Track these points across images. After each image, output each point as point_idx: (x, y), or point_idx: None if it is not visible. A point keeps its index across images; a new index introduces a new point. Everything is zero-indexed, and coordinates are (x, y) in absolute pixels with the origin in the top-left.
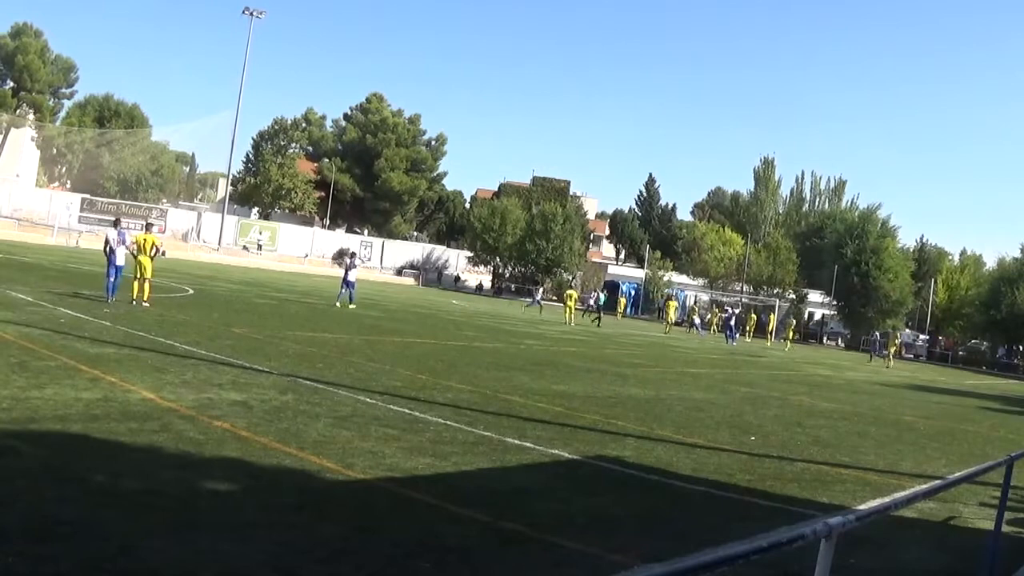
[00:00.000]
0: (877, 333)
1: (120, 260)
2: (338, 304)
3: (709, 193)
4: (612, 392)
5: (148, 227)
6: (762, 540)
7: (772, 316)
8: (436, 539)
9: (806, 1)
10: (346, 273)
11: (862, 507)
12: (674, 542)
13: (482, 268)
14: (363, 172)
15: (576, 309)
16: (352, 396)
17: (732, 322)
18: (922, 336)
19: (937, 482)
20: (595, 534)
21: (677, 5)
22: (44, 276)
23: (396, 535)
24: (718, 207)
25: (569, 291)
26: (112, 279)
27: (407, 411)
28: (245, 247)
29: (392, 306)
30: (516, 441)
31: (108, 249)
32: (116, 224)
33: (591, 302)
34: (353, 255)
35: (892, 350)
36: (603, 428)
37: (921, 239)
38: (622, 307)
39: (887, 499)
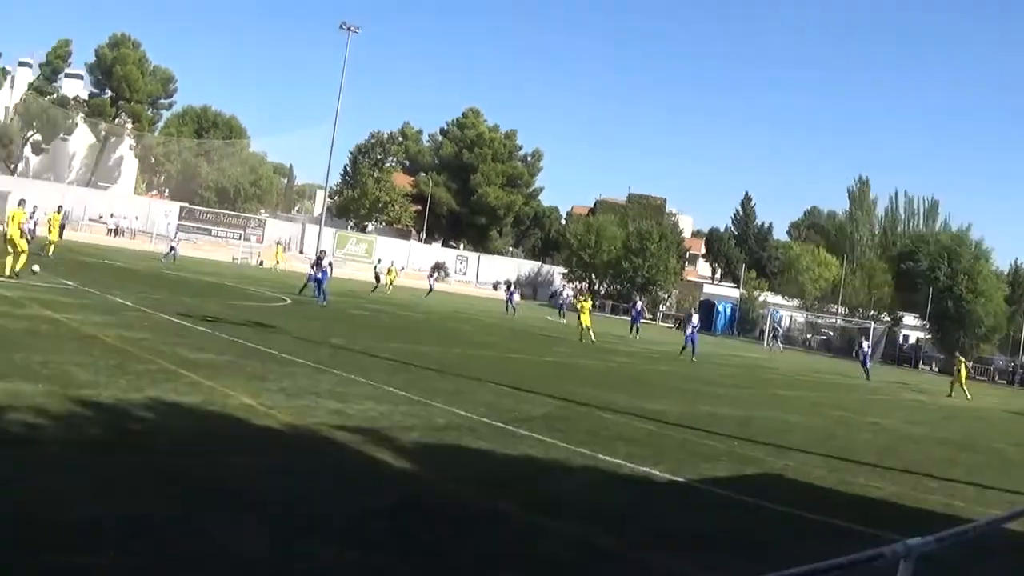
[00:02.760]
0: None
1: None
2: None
3: (805, 212)
4: (705, 412)
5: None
6: (842, 559)
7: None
8: (527, 550)
9: (899, 23)
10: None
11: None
12: (762, 562)
13: (577, 284)
14: (459, 186)
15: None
16: (446, 408)
17: (868, 351)
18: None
19: (1019, 507)
20: (685, 552)
21: (771, 26)
22: (142, 282)
23: (488, 545)
24: (814, 227)
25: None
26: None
27: (500, 424)
28: (433, 275)
29: (487, 320)
30: (608, 458)
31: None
32: (319, 261)
33: (688, 330)
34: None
35: (961, 377)
36: (695, 448)
37: (1015, 262)
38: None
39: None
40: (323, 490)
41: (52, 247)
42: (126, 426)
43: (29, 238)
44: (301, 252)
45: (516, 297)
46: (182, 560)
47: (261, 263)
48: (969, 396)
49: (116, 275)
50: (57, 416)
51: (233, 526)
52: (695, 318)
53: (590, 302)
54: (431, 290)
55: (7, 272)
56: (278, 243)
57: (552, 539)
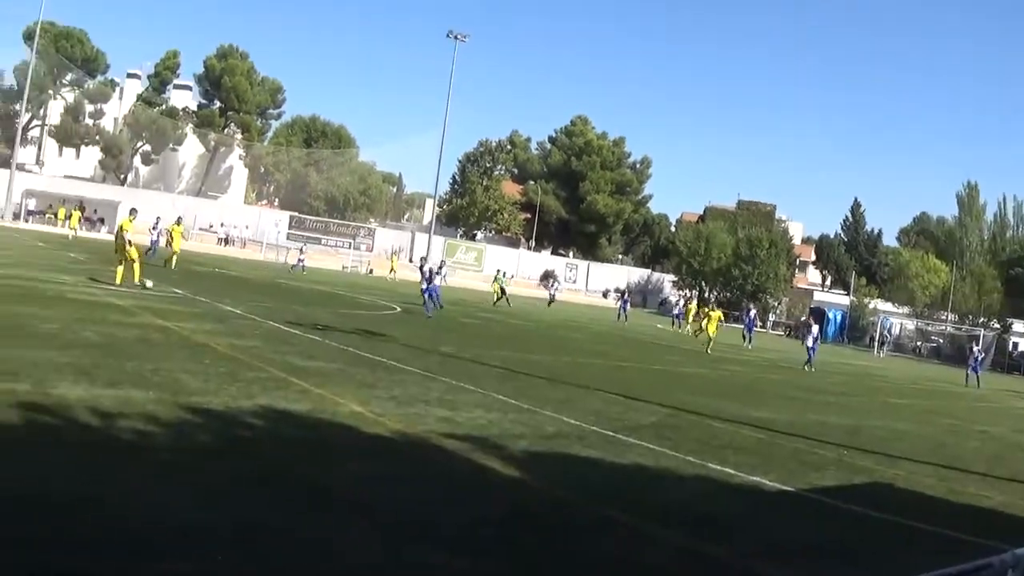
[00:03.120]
0: None
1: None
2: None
3: (914, 218)
4: (814, 420)
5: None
6: (950, 568)
7: None
8: (635, 559)
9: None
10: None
11: None
12: (870, 572)
13: (688, 293)
14: (568, 194)
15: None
16: (555, 416)
17: (980, 358)
18: None
19: None
20: (794, 562)
21: (882, 31)
22: (252, 291)
23: (596, 553)
24: (923, 233)
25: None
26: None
27: (610, 433)
28: (553, 284)
29: (597, 328)
30: (718, 467)
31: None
32: (432, 273)
33: (809, 342)
34: (429, 261)
35: None
36: (804, 457)
37: None
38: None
39: None
40: (432, 498)
41: (175, 259)
42: (236, 433)
43: (154, 250)
44: (410, 260)
45: (628, 305)
46: (291, 566)
47: (371, 271)
48: None
49: (226, 284)
50: (167, 423)
51: (342, 533)
52: (815, 328)
53: (719, 313)
54: (552, 300)
55: (118, 281)
56: (393, 252)
57: (661, 548)
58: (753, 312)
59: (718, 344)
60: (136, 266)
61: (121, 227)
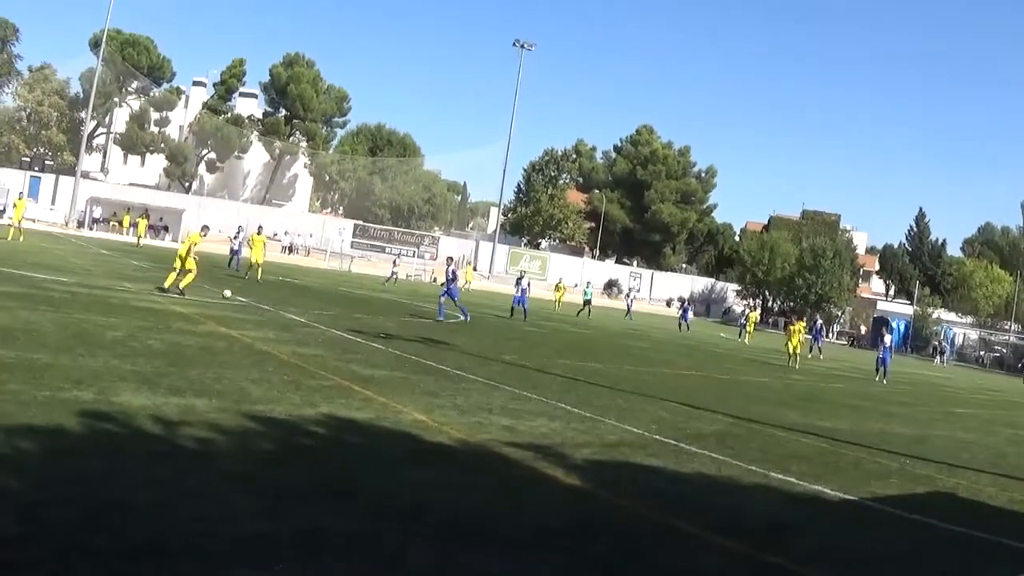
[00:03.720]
0: None
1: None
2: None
3: (979, 228)
4: (877, 429)
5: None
6: None
7: None
8: (698, 568)
9: None
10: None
11: None
12: None
13: (751, 300)
14: (633, 203)
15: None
16: (618, 425)
17: None
18: None
19: None
20: (854, 571)
21: (946, 39)
22: (316, 299)
23: (658, 562)
24: (988, 243)
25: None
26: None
27: (672, 442)
28: (631, 295)
29: (660, 337)
30: (780, 475)
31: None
32: (455, 274)
33: (880, 351)
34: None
35: None
36: (866, 466)
37: None
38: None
39: None
40: (493, 505)
41: (259, 270)
42: (299, 441)
43: (237, 260)
44: (475, 269)
45: (690, 314)
46: (352, 573)
47: (434, 280)
48: None
49: (291, 292)
50: (230, 431)
51: (403, 540)
52: (888, 338)
53: (801, 325)
54: (629, 311)
55: (166, 285)
56: (469, 263)
57: (722, 556)
58: (820, 323)
59: (775, 351)
60: (189, 276)
61: (189, 238)
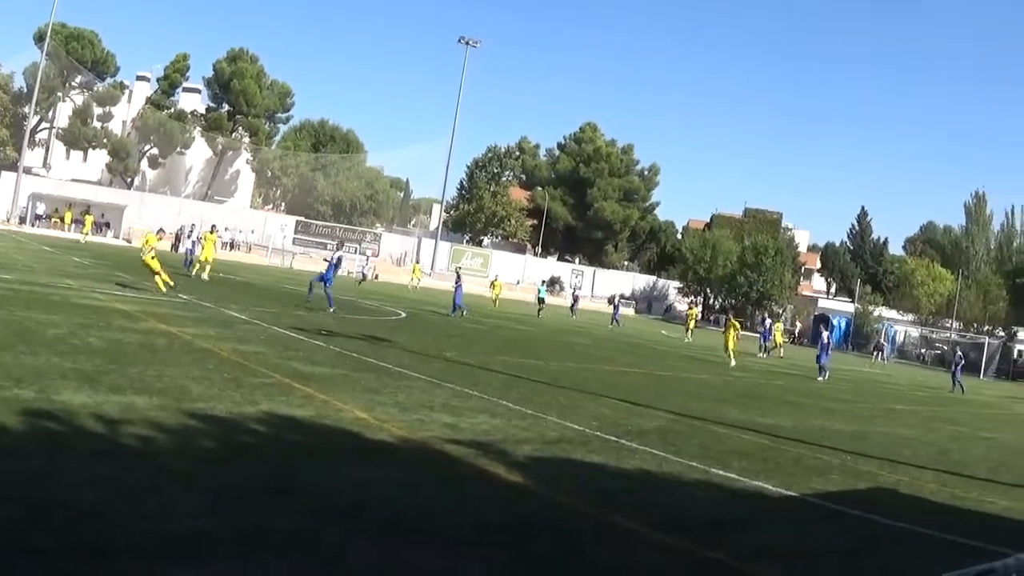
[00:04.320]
0: None
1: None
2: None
3: (921, 227)
4: (818, 426)
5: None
6: (953, 573)
7: None
8: (638, 565)
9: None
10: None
11: None
12: None
13: (693, 298)
14: (576, 201)
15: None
16: (560, 422)
17: (961, 363)
18: None
19: None
20: (795, 567)
21: (887, 39)
22: (257, 296)
23: (598, 559)
24: (929, 242)
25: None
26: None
27: (613, 438)
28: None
29: (601, 333)
30: (720, 472)
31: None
32: (340, 261)
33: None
34: (341, 245)
35: None
36: (808, 462)
37: None
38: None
39: None
40: (434, 503)
41: (207, 268)
42: (240, 439)
43: (189, 259)
44: (368, 257)
45: (620, 311)
46: (294, 571)
47: (376, 277)
48: None
49: (232, 288)
50: (171, 429)
51: (345, 538)
52: (824, 334)
53: (736, 322)
54: (574, 309)
55: (163, 289)
56: (416, 262)
57: (663, 553)
58: (769, 323)
59: (717, 348)
60: (157, 278)
61: (147, 241)
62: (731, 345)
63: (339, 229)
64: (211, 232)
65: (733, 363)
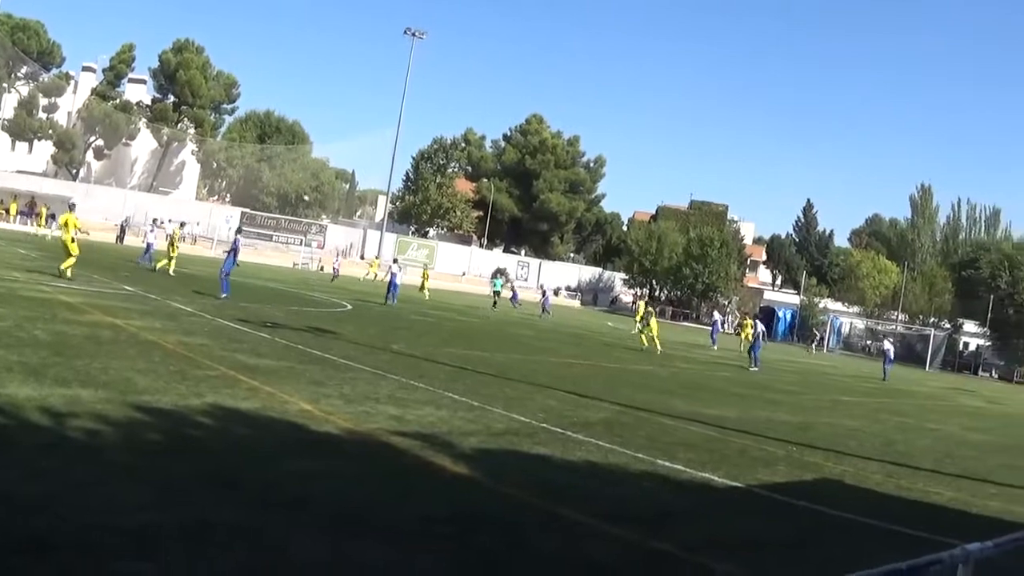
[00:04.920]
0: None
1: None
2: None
3: (867, 220)
4: (764, 417)
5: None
6: (900, 564)
7: None
8: (586, 557)
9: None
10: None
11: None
12: (817, 567)
13: (638, 290)
14: (522, 193)
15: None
16: (505, 414)
17: (891, 355)
18: None
19: None
20: (742, 557)
21: (834, 33)
22: (202, 287)
23: (546, 550)
24: (875, 234)
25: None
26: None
27: (559, 430)
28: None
29: (547, 326)
30: (667, 463)
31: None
32: (240, 232)
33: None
34: (240, 229)
35: None
36: (754, 453)
37: None
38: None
39: None
40: (380, 495)
41: (172, 263)
42: (185, 432)
43: (149, 253)
44: (362, 257)
45: (549, 301)
46: (239, 564)
47: (321, 268)
48: None
49: (177, 280)
50: (116, 422)
51: (290, 531)
52: (759, 325)
53: (652, 312)
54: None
55: (70, 275)
56: (376, 256)
57: (610, 544)
58: (718, 315)
59: (674, 343)
60: (71, 260)
61: (66, 222)
62: (654, 332)
63: (284, 220)
64: (181, 227)
65: (646, 344)
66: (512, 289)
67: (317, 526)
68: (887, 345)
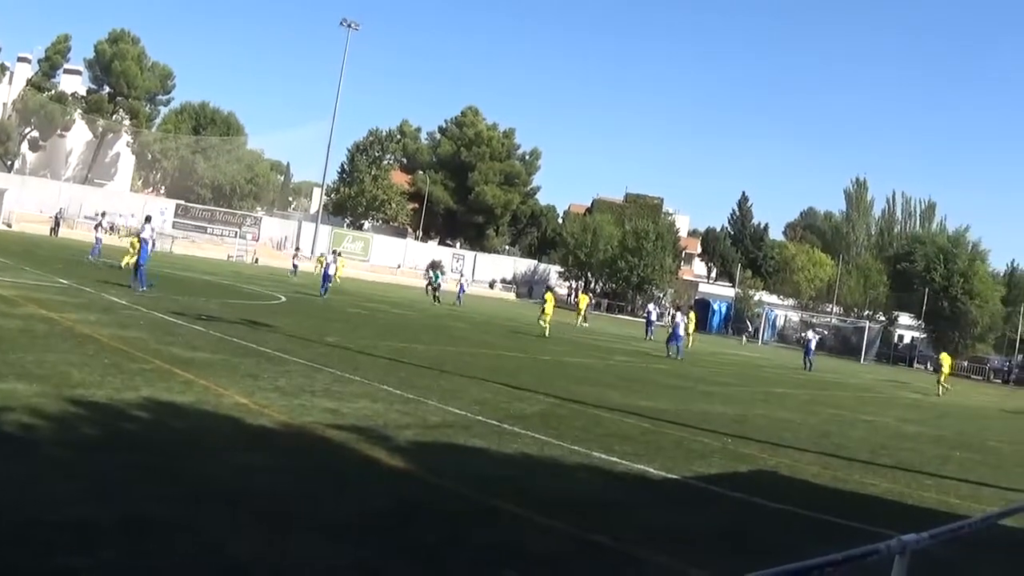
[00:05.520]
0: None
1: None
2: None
3: (802, 213)
4: (699, 409)
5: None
6: (837, 555)
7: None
8: (522, 548)
9: (894, 27)
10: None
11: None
12: (754, 558)
13: (574, 283)
14: (457, 185)
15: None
16: (441, 407)
17: (813, 346)
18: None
19: (1014, 504)
20: (678, 549)
21: (767, 24)
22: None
23: (484, 542)
24: (810, 227)
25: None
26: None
27: (495, 422)
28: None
29: (481, 319)
30: (603, 455)
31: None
32: (149, 220)
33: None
34: (149, 218)
35: (944, 375)
36: (689, 445)
37: (1012, 264)
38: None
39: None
40: (317, 489)
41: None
42: (121, 425)
43: (97, 249)
44: (297, 250)
45: (465, 290)
46: (177, 559)
47: (256, 261)
48: (948, 388)
49: (112, 274)
50: (52, 416)
51: (227, 525)
52: (679, 316)
53: (552, 296)
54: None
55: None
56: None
57: (547, 536)
58: (652, 308)
59: (610, 336)
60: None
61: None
62: (547, 315)
63: (219, 212)
64: (102, 217)
65: (547, 333)
66: (460, 284)
67: (256, 520)
68: (810, 335)
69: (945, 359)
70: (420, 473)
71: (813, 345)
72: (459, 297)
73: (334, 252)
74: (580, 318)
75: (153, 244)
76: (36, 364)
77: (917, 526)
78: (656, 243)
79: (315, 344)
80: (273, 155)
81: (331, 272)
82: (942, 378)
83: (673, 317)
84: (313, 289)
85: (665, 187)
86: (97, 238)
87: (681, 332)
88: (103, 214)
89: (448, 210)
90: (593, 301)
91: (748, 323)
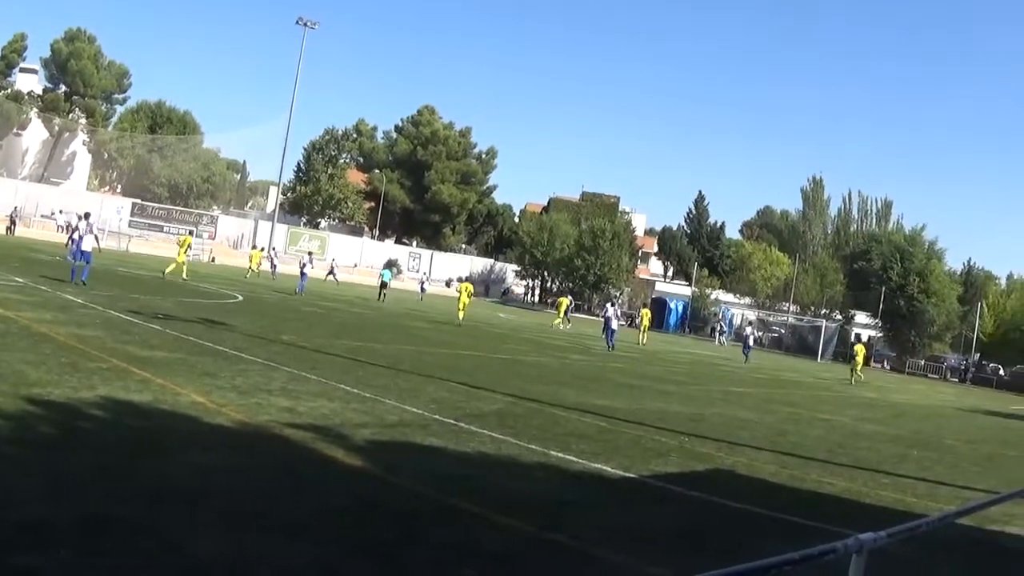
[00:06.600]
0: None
1: (87, 247)
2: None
3: (758, 212)
4: (656, 408)
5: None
6: (794, 553)
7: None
8: (480, 547)
9: (852, 24)
10: (79, 240)
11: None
12: (711, 557)
13: (530, 281)
14: (413, 184)
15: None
16: (398, 405)
17: (751, 340)
18: (967, 359)
19: (972, 503)
20: (635, 548)
21: (723, 22)
22: (94, 279)
23: (441, 542)
24: (767, 226)
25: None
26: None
27: (452, 421)
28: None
29: (439, 318)
30: (560, 454)
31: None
32: (87, 217)
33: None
34: (87, 215)
35: (858, 364)
36: (646, 444)
37: (968, 262)
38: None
39: (920, 519)
40: (275, 488)
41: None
42: (77, 425)
43: (74, 252)
44: (253, 248)
45: (308, 274)
46: (134, 559)
47: (213, 259)
48: (861, 378)
49: (68, 272)
50: (8, 415)
51: (185, 525)
52: (610, 309)
53: (468, 286)
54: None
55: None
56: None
57: (504, 535)
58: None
59: (566, 334)
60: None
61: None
62: (462, 306)
63: (175, 211)
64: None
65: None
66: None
67: (214, 520)
68: (748, 331)
69: (859, 349)
70: (378, 472)
71: (751, 341)
72: (420, 296)
73: (309, 254)
74: (559, 320)
75: (97, 240)
76: None
77: (874, 525)
78: (612, 242)
79: (271, 343)
80: (229, 154)
81: (307, 272)
82: (857, 367)
83: (605, 310)
84: (268, 289)
85: (621, 186)
86: (73, 239)
87: (614, 325)
88: (60, 212)
89: (404, 209)
90: (573, 304)
91: (721, 324)
